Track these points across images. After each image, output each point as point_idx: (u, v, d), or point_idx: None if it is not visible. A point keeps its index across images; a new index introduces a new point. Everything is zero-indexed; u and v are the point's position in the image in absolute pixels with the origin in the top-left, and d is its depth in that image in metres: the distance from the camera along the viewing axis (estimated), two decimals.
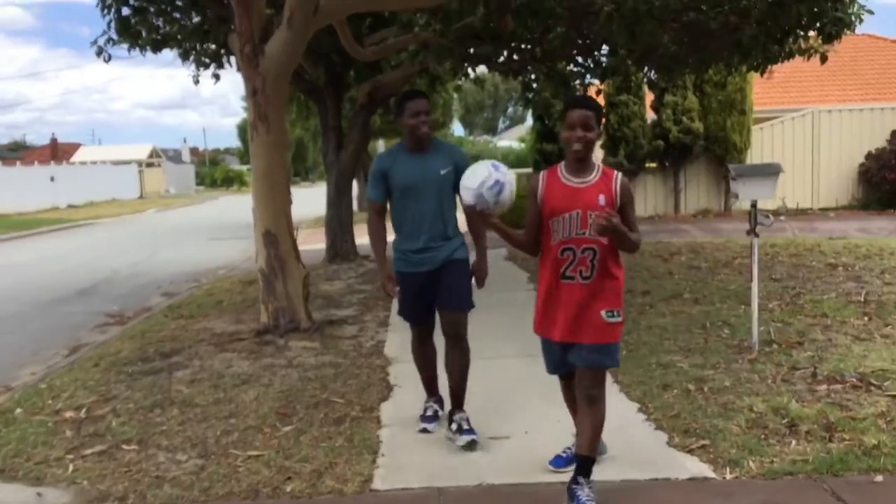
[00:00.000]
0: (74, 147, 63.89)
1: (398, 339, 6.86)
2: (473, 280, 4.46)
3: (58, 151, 57.08)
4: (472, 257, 4.51)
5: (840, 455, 3.87)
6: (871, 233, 12.98)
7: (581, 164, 3.43)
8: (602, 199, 3.35)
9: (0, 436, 4.79)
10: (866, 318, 6.60)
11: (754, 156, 17.46)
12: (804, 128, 17.63)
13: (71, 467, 4.26)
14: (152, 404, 5.26)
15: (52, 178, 38.04)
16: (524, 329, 6.80)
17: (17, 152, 56.75)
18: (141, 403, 5.30)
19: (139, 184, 49.49)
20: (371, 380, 5.62)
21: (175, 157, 68.57)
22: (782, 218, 12.44)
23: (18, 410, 5.29)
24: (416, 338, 4.63)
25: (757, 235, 5.59)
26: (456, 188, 4.01)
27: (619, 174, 3.49)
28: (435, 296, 4.39)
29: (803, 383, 5.00)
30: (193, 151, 74.21)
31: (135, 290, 11.54)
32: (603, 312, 3.41)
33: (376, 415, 4.88)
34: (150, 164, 59.50)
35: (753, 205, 5.54)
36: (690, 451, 4.04)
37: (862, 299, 7.35)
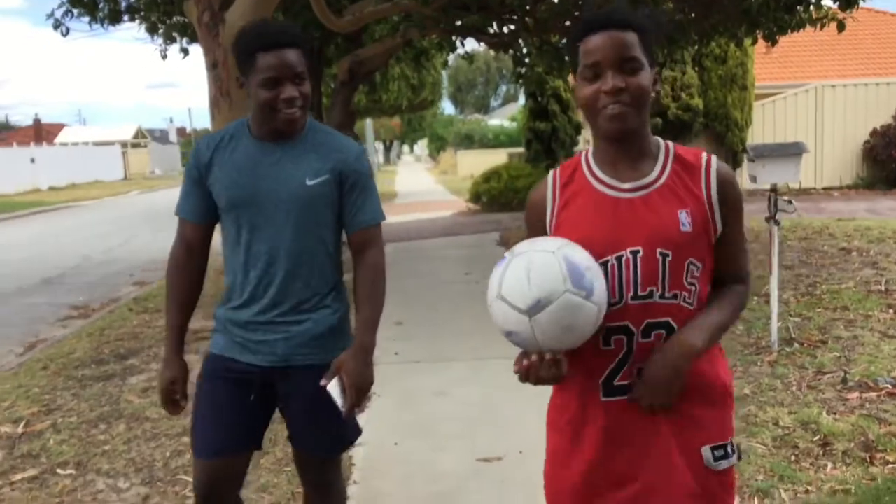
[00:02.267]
0: (59, 128, 62.93)
1: (379, 337, 6.26)
2: (333, 385, 2.26)
3: (42, 132, 56.14)
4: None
5: (887, 483, 3.31)
6: (880, 214, 12.43)
7: (626, 147, 1.74)
8: (685, 216, 1.70)
9: None
10: (891, 311, 6.03)
11: (756, 133, 16.89)
12: (807, 104, 17.03)
13: None
14: (98, 417, 4.68)
15: (32, 160, 37.20)
16: None
17: None
18: (86, 416, 4.73)
19: (123, 165, 48.58)
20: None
21: (162, 137, 67.70)
22: (786, 198, 11.90)
23: None
24: (205, 486, 2.37)
25: (777, 223, 5.01)
26: (332, 208, 2.34)
27: (714, 159, 1.78)
28: (262, 418, 2.45)
29: (832, 391, 4.43)
30: (180, 132, 73.26)
31: (105, 279, 10.91)
32: (706, 451, 1.74)
33: None
34: (135, 145, 58.67)
35: (773, 189, 4.95)
36: None
37: (883, 289, 6.78)
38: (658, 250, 1.67)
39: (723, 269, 1.79)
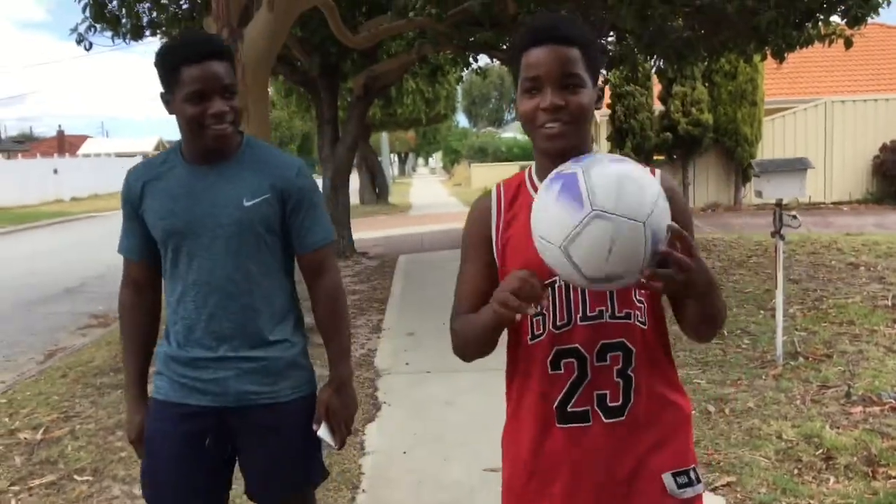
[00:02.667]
0: (81, 139, 63.53)
1: (391, 347, 6.39)
2: (322, 429, 2.19)
3: (65, 143, 56.68)
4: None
5: (889, 497, 3.37)
6: (888, 228, 12.44)
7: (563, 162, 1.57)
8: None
9: None
10: None
11: (765, 148, 16.92)
12: (817, 119, 17.06)
13: (13, 502, 3.80)
14: (115, 424, 4.79)
15: (55, 171, 37.60)
16: None
17: (24, 144, 56.29)
18: (103, 423, 4.85)
19: None
20: (357, 396, 5.11)
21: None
22: (791, 213, 11.96)
23: None
24: None
25: (783, 238, 5.08)
26: (277, 231, 2.15)
27: (658, 171, 1.67)
28: (224, 465, 2.23)
29: (836, 405, 4.49)
30: None
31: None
32: (668, 478, 1.64)
33: (360, 439, 4.38)
34: None
35: (779, 204, 5.03)
36: (715, 490, 3.53)
37: (889, 303, 6.83)
38: None
39: None
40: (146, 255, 2.19)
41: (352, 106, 11.89)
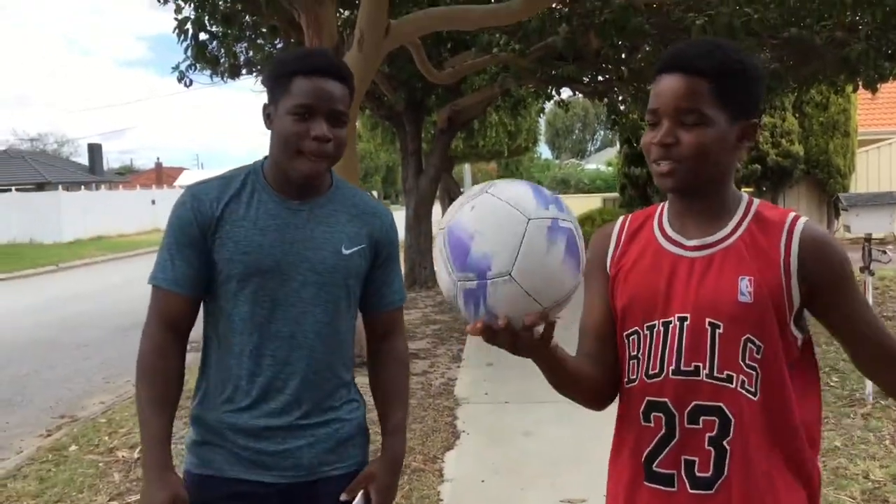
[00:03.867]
0: (178, 171, 66.20)
1: (470, 377, 6.48)
2: (358, 500, 1.85)
3: (162, 175, 59.20)
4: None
5: None
6: None
7: (694, 202, 1.50)
8: (745, 284, 1.43)
9: (49, 476, 4.62)
10: None
11: (859, 180, 16.40)
12: None
13: None
14: None
15: (153, 201, 39.32)
16: None
17: (124, 176, 59.11)
18: None
19: None
20: (437, 424, 5.22)
21: None
22: (890, 247, 11.55)
23: (73, 448, 5.12)
24: None
25: (872, 273, 4.96)
26: (362, 284, 1.93)
27: (803, 219, 1.47)
28: None
29: None
30: None
31: None
32: None
33: (439, 466, 4.47)
34: None
35: (868, 238, 4.92)
36: None
37: None
38: (707, 320, 1.42)
39: (862, 353, 1.50)
40: (194, 291, 1.78)
41: (435, 138, 12.14)
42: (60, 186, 33.63)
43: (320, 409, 1.84)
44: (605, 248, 1.62)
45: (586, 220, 16.06)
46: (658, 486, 1.48)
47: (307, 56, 1.82)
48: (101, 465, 4.77)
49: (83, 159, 50.59)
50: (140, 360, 1.79)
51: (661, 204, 1.62)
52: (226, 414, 1.81)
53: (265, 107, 1.83)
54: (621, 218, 1.67)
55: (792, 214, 1.48)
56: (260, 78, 10.31)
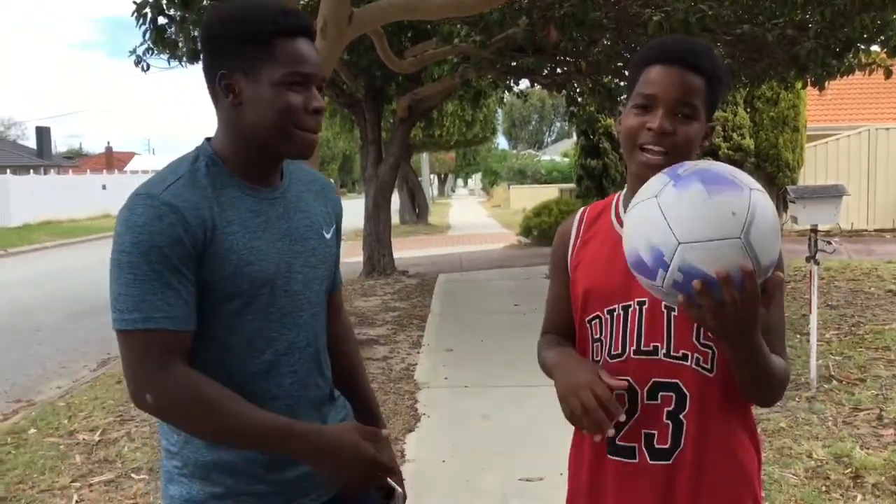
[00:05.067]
0: (129, 156, 65.06)
1: (430, 362, 6.58)
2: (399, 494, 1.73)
3: (113, 160, 58.12)
4: None
5: None
6: None
7: None
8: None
9: (9, 459, 4.61)
10: None
11: (808, 174, 16.84)
12: (860, 146, 16.93)
13: (75, 497, 4.05)
14: None
15: (103, 187, 38.62)
16: None
17: (73, 160, 57.85)
18: (157, 427, 5.08)
19: None
20: (398, 408, 5.31)
21: None
22: (836, 239, 11.96)
23: (32, 431, 5.11)
24: None
25: (817, 263, 5.17)
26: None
27: None
28: None
29: (867, 427, 4.57)
30: None
31: None
32: None
33: (400, 448, 4.56)
34: None
35: (814, 230, 5.12)
36: None
37: None
38: (662, 303, 1.52)
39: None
40: (194, 324, 1.46)
41: (395, 127, 12.18)
42: (8, 170, 32.85)
43: (335, 413, 1.69)
44: (566, 245, 1.71)
45: (543, 210, 16.25)
46: (620, 459, 1.57)
47: (285, 14, 1.49)
48: (61, 447, 4.77)
49: (31, 143, 49.45)
50: (192, 404, 1.41)
51: (618, 193, 1.71)
52: (231, 452, 1.50)
53: (223, 76, 1.48)
54: (580, 210, 1.75)
55: None
56: None
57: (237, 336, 1.50)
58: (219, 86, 1.48)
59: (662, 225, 1.29)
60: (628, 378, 1.53)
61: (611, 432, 1.46)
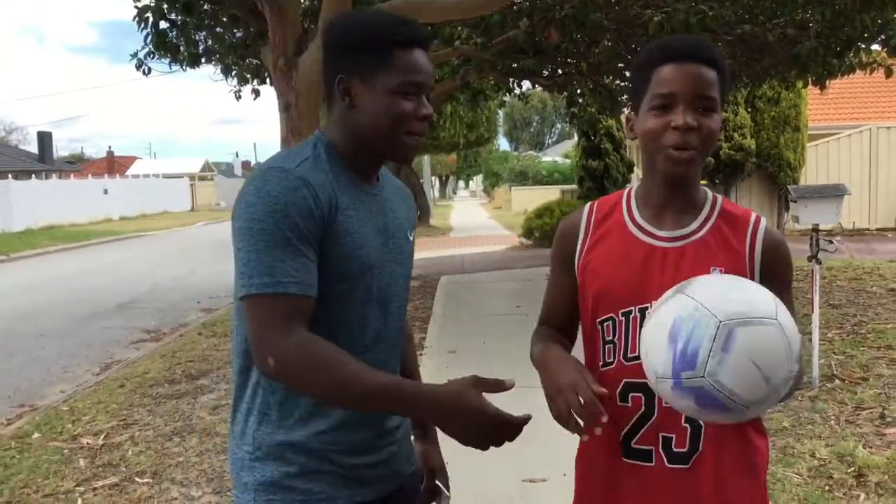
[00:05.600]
0: (130, 160, 65.25)
1: (433, 364, 6.58)
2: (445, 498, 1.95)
3: (114, 164, 58.23)
4: None
5: None
6: None
7: (676, 193, 1.60)
8: (717, 273, 1.53)
9: (13, 463, 4.62)
10: None
11: (809, 174, 16.85)
12: (861, 145, 16.94)
13: (79, 501, 4.06)
14: (172, 432, 5.04)
15: (105, 191, 38.68)
16: None
17: (75, 164, 57.96)
18: (160, 430, 5.10)
19: (191, 196, 50.18)
20: None
21: (227, 170, 69.67)
22: (838, 238, 11.99)
23: (36, 435, 5.12)
24: None
25: (819, 262, 5.17)
26: None
27: (763, 221, 1.61)
28: None
29: (870, 426, 4.57)
30: (245, 165, 75.17)
31: (174, 305, 11.43)
32: None
33: None
34: (202, 178, 60.53)
35: (815, 229, 5.13)
36: None
37: None
38: None
39: None
40: (317, 290, 1.51)
41: None
42: (10, 175, 32.90)
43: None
44: (573, 242, 1.67)
45: (545, 212, 16.24)
46: (636, 462, 1.57)
47: (404, 25, 1.59)
48: (65, 451, 4.78)
49: (32, 147, 49.50)
50: (313, 364, 1.45)
51: (628, 189, 1.69)
52: (329, 434, 1.56)
53: (341, 80, 1.57)
54: (587, 206, 1.71)
55: (754, 214, 1.61)
56: (220, 67, 10.25)
57: (341, 319, 1.56)
58: (337, 88, 1.58)
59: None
60: (646, 381, 1.51)
61: (598, 431, 1.45)
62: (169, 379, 6.44)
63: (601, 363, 1.62)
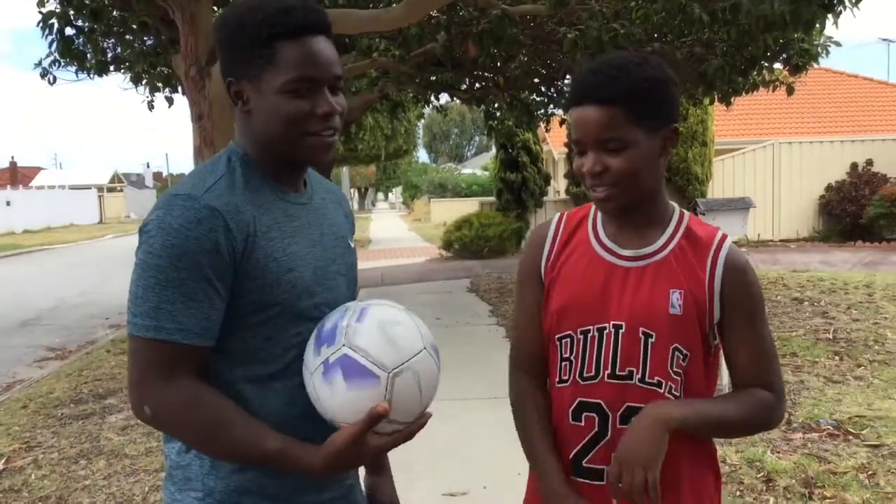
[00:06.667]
0: (35, 171, 62.76)
1: None
2: None
3: (17, 175, 55.89)
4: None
5: None
6: (833, 265, 12.91)
7: (630, 216, 1.58)
8: (676, 297, 1.53)
9: None
10: (837, 358, 6.39)
11: (716, 187, 17.46)
12: (765, 159, 17.67)
13: None
14: (78, 454, 4.83)
15: (7, 203, 37.10)
16: (488, 368, 6.55)
17: None
18: (66, 453, 4.88)
19: (99, 209, 48.56)
20: None
21: (138, 181, 67.77)
22: (744, 250, 12.45)
23: None
24: None
25: None
26: None
27: (728, 243, 1.58)
28: None
29: (777, 431, 4.72)
30: (156, 176, 73.24)
31: (81, 322, 10.99)
32: None
33: None
34: (111, 189, 58.74)
35: None
36: None
37: (831, 337, 7.16)
38: (641, 329, 1.52)
39: (738, 377, 1.57)
40: (213, 336, 1.38)
41: None
42: None
43: None
44: (539, 255, 1.66)
45: (464, 224, 16.33)
46: (586, 481, 1.57)
47: (285, 13, 1.38)
48: None
49: None
50: (190, 422, 1.35)
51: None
52: (288, 475, 1.41)
53: (230, 83, 1.43)
54: (556, 217, 1.70)
55: (719, 235, 1.58)
56: (129, 75, 9.94)
57: (275, 345, 1.42)
58: (229, 93, 1.43)
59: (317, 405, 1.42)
60: (600, 401, 1.54)
61: None
62: (75, 399, 6.18)
63: (557, 380, 1.61)
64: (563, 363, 1.59)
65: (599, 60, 1.54)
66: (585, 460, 1.57)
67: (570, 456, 1.58)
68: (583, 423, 1.56)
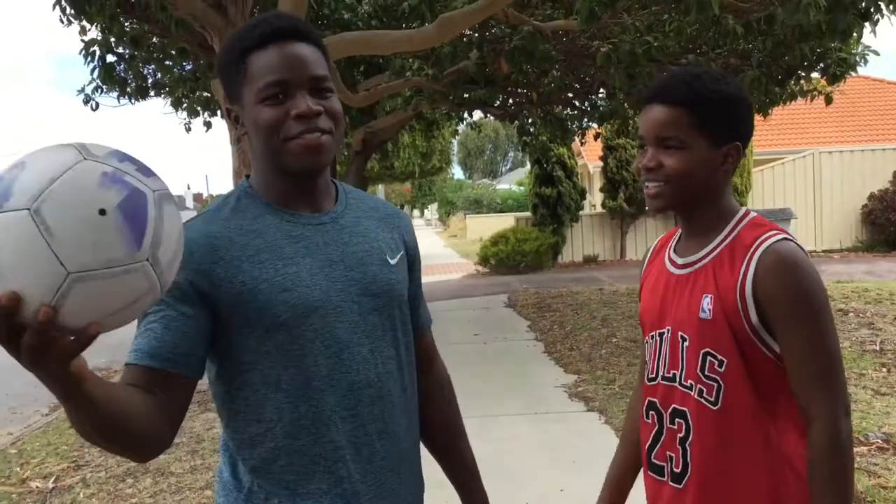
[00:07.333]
0: None
1: None
2: None
3: None
4: None
5: None
6: (878, 276, 12.65)
7: (685, 222, 1.65)
8: (707, 302, 1.54)
9: None
10: (885, 370, 6.26)
11: (755, 198, 17.24)
12: (805, 169, 17.42)
13: None
14: (125, 472, 4.91)
15: None
16: (527, 383, 6.54)
17: None
18: (113, 472, 4.97)
19: None
20: None
21: (179, 203, 68.42)
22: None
23: None
24: None
25: None
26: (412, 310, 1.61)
27: (768, 244, 1.50)
28: None
29: None
30: (197, 197, 74.36)
31: (125, 341, 11.08)
32: None
33: None
34: None
35: None
36: None
37: (878, 348, 7.02)
38: (679, 333, 1.59)
39: (793, 392, 1.50)
40: (200, 372, 1.37)
41: (350, 160, 12.22)
42: None
43: (414, 473, 1.55)
44: (641, 269, 1.84)
45: (500, 239, 16.34)
46: (654, 475, 1.67)
47: (255, 25, 1.38)
48: (13, 496, 4.64)
49: None
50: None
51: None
52: None
53: (228, 112, 1.44)
54: (662, 236, 1.85)
55: (766, 234, 1.52)
56: (169, 100, 10.19)
57: (288, 372, 1.37)
58: (229, 120, 1.47)
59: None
60: (655, 400, 1.65)
61: None
62: None
63: (645, 378, 1.72)
64: (646, 362, 1.73)
65: (680, 68, 1.60)
66: (653, 456, 1.66)
67: (645, 450, 1.69)
68: (650, 421, 1.67)
